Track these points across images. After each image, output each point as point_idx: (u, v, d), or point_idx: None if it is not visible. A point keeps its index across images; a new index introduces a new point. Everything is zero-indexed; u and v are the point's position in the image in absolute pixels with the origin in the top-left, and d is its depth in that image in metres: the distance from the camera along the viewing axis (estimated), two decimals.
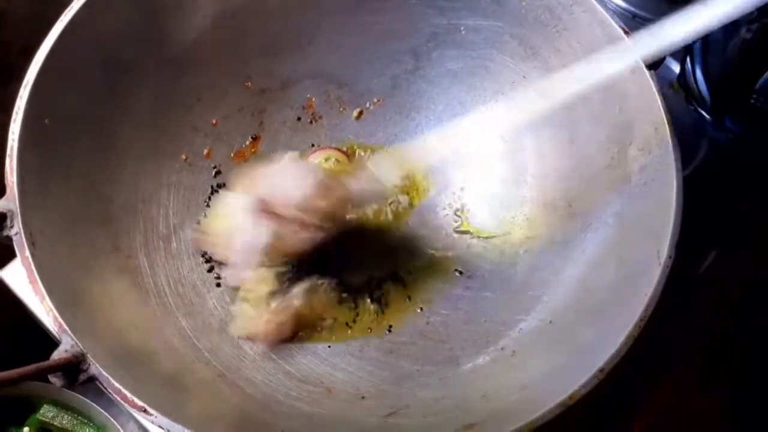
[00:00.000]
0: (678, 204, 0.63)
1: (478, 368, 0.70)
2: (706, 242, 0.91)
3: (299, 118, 0.86)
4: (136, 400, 0.53)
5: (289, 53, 0.83)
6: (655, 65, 0.70)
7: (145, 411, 0.53)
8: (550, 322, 0.69)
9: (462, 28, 0.82)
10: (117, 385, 0.54)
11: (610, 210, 0.70)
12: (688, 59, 0.91)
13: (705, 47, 0.91)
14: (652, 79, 0.69)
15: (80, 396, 0.84)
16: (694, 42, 0.90)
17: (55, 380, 0.54)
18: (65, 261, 0.62)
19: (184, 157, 0.80)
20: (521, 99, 0.69)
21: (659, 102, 0.68)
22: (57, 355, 0.54)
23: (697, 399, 0.85)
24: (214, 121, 0.82)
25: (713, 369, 0.87)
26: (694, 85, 0.91)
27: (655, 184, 0.66)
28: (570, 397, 0.55)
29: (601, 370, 0.56)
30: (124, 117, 0.73)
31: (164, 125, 0.77)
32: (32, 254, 0.57)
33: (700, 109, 0.89)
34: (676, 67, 0.94)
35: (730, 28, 0.90)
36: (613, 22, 0.71)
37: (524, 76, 0.81)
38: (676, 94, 0.93)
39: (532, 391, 0.61)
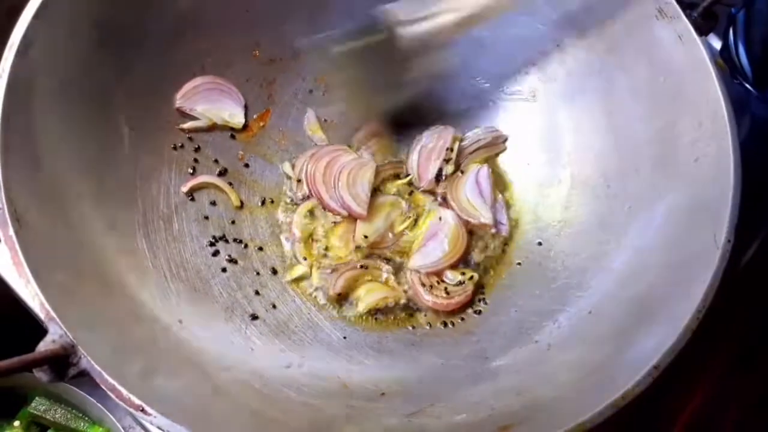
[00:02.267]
0: (737, 181, 0.57)
1: (510, 363, 0.64)
2: (750, 228, 0.85)
3: (311, 91, 0.80)
4: (133, 398, 0.48)
5: (300, 19, 0.76)
6: (705, 29, 0.63)
7: (142, 410, 0.47)
8: (590, 312, 0.63)
9: None
10: (111, 381, 0.48)
11: (656, 190, 0.64)
12: (731, 33, 0.85)
13: (748, 20, 0.86)
14: (704, 46, 0.62)
15: (74, 388, 0.79)
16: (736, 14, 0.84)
17: (41, 375, 0.48)
18: (55, 241, 0.56)
19: (186, 131, 0.73)
20: None
21: (711, 70, 0.62)
22: (44, 345, 0.48)
23: (738, 394, 0.79)
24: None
25: (754, 363, 0.81)
26: (737, 60, 0.85)
27: (709, 160, 0.60)
28: (623, 397, 0.49)
29: (656, 367, 0.50)
30: (120, 85, 0.67)
31: (165, 95, 0.72)
32: (16, 233, 0.51)
33: (744, 83, 0.82)
34: (717, 44, 0.88)
35: None
36: None
37: (558, 45, 0.75)
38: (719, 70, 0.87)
39: (572, 389, 0.55)
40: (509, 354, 0.65)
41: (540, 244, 0.73)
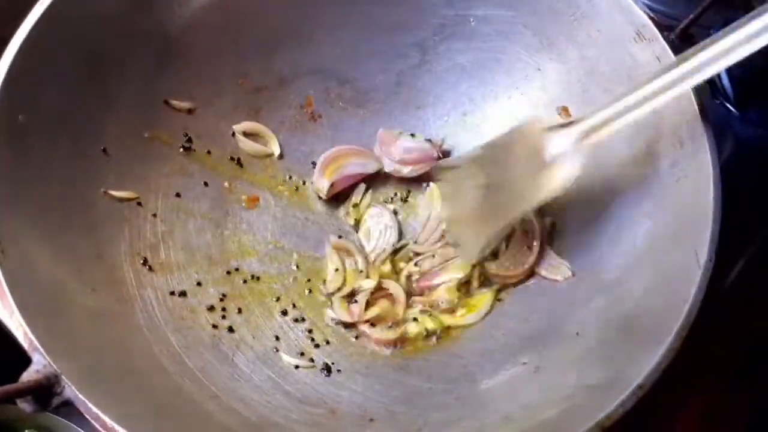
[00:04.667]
0: (716, 201, 0.57)
1: (498, 386, 0.64)
2: (734, 249, 0.85)
3: (297, 118, 0.80)
4: (117, 428, 0.47)
5: (287, 47, 0.77)
6: (683, 51, 0.64)
7: None
8: (577, 334, 0.63)
9: (471, 19, 0.77)
10: (95, 410, 0.48)
11: (639, 210, 0.65)
12: None
13: None
14: None
15: (64, 420, 0.78)
16: None
17: (25, 405, 0.48)
18: (40, 271, 0.56)
19: (173, 160, 0.74)
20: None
21: (690, 92, 0.62)
22: (27, 376, 0.48)
23: (732, 410, 0.79)
24: (206, 122, 0.76)
25: (746, 381, 0.81)
26: (718, 80, 0.86)
27: (689, 180, 0.61)
28: (608, 418, 0.49)
29: (640, 387, 0.50)
30: (108, 114, 0.67)
31: (152, 125, 0.71)
32: (1, 263, 0.51)
33: (726, 103, 0.83)
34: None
35: None
36: (636, 8, 0.66)
37: (539, 69, 0.75)
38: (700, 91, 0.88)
39: (561, 411, 0.55)
40: (497, 377, 0.64)
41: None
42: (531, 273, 0.73)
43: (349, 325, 0.72)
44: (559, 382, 0.59)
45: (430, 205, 0.79)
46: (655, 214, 0.63)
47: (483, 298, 0.73)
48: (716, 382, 0.80)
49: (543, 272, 0.72)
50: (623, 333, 0.58)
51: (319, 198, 0.79)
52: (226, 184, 0.77)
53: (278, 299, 0.73)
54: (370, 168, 0.79)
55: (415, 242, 0.78)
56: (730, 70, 0.86)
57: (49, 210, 0.60)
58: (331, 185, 0.77)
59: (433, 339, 0.71)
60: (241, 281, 0.73)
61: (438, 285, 0.74)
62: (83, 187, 0.65)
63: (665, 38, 0.64)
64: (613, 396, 0.50)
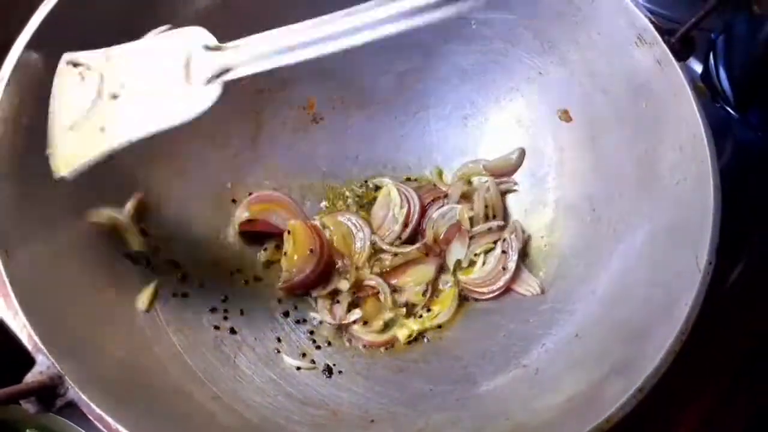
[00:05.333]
0: (716, 204, 0.58)
1: (499, 388, 0.64)
2: (734, 251, 0.85)
3: (299, 119, 0.80)
4: (120, 429, 0.48)
5: None
6: (683, 54, 0.65)
7: None
8: (577, 335, 0.63)
9: (473, 22, 0.77)
10: (99, 411, 0.48)
11: (639, 213, 0.65)
12: (711, 58, 0.87)
13: (728, 45, 0.87)
14: (682, 70, 0.64)
15: (66, 420, 0.78)
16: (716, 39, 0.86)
17: (29, 406, 0.48)
18: (43, 272, 0.56)
19: (174, 161, 0.74)
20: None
21: (690, 95, 0.63)
22: (31, 377, 0.49)
23: (731, 416, 0.79)
24: (206, 123, 0.75)
25: (747, 385, 0.81)
26: (718, 83, 0.86)
27: (689, 183, 0.61)
28: (607, 420, 0.49)
29: (640, 390, 0.51)
30: None
31: None
32: (4, 264, 0.52)
33: (726, 107, 0.83)
34: (698, 68, 0.89)
35: (754, 24, 0.86)
36: (638, 12, 0.66)
37: (540, 72, 0.76)
38: (699, 94, 0.89)
39: (561, 413, 0.55)
40: (497, 379, 0.65)
41: (527, 267, 0.74)
42: (503, 292, 0.74)
43: (341, 327, 0.73)
44: (559, 385, 0.59)
45: (385, 204, 0.79)
46: (655, 216, 0.63)
47: (449, 294, 0.74)
48: (714, 386, 0.80)
49: (515, 287, 0.73)
50: (623, 335, 0.59)
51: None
52: (228, 185, 0.77)
53: (280, 301, 0.73)
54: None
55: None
56: (730, 74, 0.87)
57: (52, 211, 0.60)
58: (249, 221, 0.76)
59: (424, 340, 0.72)
60: (243, 282, 0.73)
61: (404, 285, 0.75)
62: (86, 188, 0.64)
63: (666, 42, 0.64)
64: (613, 399, 0.50)
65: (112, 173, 0.66)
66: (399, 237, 0.78)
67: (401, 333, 0.72)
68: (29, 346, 0.50)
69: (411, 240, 0.78)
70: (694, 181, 0.60)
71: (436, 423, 0.61)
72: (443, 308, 0.73)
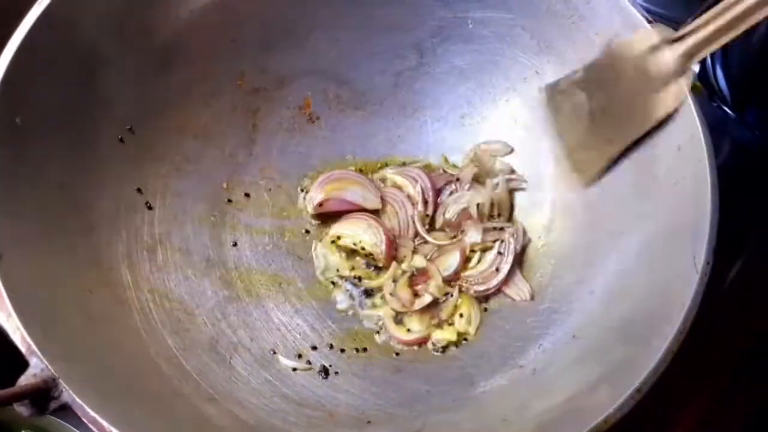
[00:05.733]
0: (714, 203, 0.58)
1: (496, 388, 0.64)
2: (732, 251, 0.85)
3: (295, 119, 0.80)
4: (115, 431, 0.47)
5: (285, 48, 0.77)
6: None
7: None
8: (574, 336, 0.63)
9: (469, 21, 0.77)
10: (93, 414, 0.48)
11: (636, 213, 0.65)
12: (709, 57, 0.87)
13: (725, 44, 0.87)
14: None
15: (60, 421, 0.78)
16: None
17: (22, 409, 0.48)
18: (37, 273, 0.56)
19: (170, 160, 0.73)
20: None
21: (687, 94, 0.62)
22: (24, 380, 0.48)
23: (729, 416, 0.79)
24: (203, 122, 0.75)
25: (744, 384, 0.81)
26: (715, 83, 0.86)
27: (686, 183, 0.61)
28: (605, 421, 0.49)
29: (638, 390, 0.50)
30: (104, 116, 0.67)
31: (149, 126, 0.71)
32: None
33: (723, 106, 0.83)
34: (695, 67, 0.89)
35: None
36: (635, 11, 0.66)
37: (537, 72, 0.75)
38: (696, 94, 0.89)
39: (559, 413, 0.55)
40: (495, 379, 0.65)
41: (524, 268, 0.74)
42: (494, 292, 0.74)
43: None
44: (556, 385, 0.59)
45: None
46: (653, 217, 0.63)
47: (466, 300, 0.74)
48: (712, 385, 0.80)
49: (506, 289, 0.73)
50: (621, 336, 0.58)
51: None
52: (224, 185, 0.76)
53: (275, 301, 0.73)
54: (369, 203, 0.78)
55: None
56: (727, 73, 0.87)
57: (46, 212, 0.59)
58: (321, 204, 0.77)
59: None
60: (239, 283, 0.73)
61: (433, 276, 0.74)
62: (80, 189, 0.64)
63: None
64: (611, 399, 0.50)
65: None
66: (426, 215, 0.78)
67: (437, 335, 0.72)
68: (23, 349, 0.49)
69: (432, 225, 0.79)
70: (692, 181, 0.60)
71: (434, 424, 0.61)
72: (469, 311, 0.73)
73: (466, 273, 0.75)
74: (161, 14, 0.68)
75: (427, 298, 0.72)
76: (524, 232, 0.75)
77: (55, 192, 0.61)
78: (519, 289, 0.73)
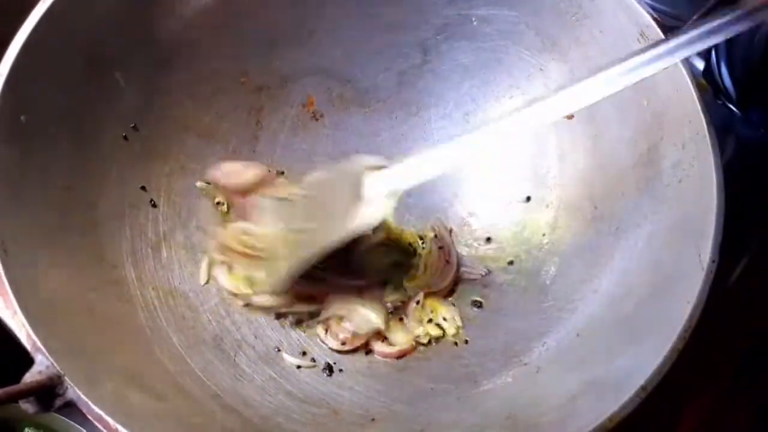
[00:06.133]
0: (720, 201, 0.57)
1: (500, 387, 0.64)
2: (736, 249, 0.85)
3: (299, 117, 0.80)
4: (120, 428, 0.47)
5: (288, 46, 0.77)
6: None
7: None
8: (578, 335, 0.63)
9: (473, 19, 0.76)
10: (98, 411, 0.48)
11: (641, 211, 0.65)
12: (713, 54, 0.86)
13: (729, 42, 0.87)
14: (684, 66, 0.63)
15: (64, 417, 0.78)
16: None
17: (27, 406, 0.48)
18: (41, 271, 0.56)
19: (174, 158, 0.73)
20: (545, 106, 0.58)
21: (692, 91, 0.62)
22: (30, 377, 0.48)
23: (732, 415, 0.79)
24: (207, 121, 0.75)
25: (746, 384, 0.81)
26: (720, 80, 0.86)
27: (692, 181, 0.61)
28: (610, 420, 0.49)
29: (643, 388, 0.50)
30: (108, 115, 0.67)
31: (153, 124, 0.71)
32: (3, 262, 0.51)
33: (728, 104, 0.83)
34: (700, 64, 0.89)
35: None
36: (640, 8, 0.66)
37: (541, 69, 0.75)
38: (701, 91, 0.88)
39: (563, 412, 0.55)
40: (499, 377, 0.64)
41: (528, 265, 0.73)
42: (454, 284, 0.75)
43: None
44: (560, 384, 0.59)
45: None
46: (658, 215, 0.63)
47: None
48: (715, 385, 0.80)
49: (464, 275, 0.74)
50: (625, 334, 0.58)
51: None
52: None
53: None
54: None
55: None
56: (731, 71, 0.87)
57: (50, 210, 0.59)
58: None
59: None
60: None
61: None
62: (85, 186, 0.64)
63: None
64: (616, 398, 0.50)
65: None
66: None
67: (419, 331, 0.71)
68: (28, 346, 0.49)
69: None
70: (697, 179, 0.60)
71: (439, 422, 0.61)
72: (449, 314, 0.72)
73: (416, 282, 0.74)
74: (165, 13, 0.68)
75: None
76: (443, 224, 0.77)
77: (59, 190, 0.61)
78: (473, 268, 0.75)
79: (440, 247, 0.75)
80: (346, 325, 0.70)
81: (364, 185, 0.64)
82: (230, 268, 0.71)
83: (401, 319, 0.72)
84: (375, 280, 0.74)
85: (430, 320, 0.71)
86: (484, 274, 0.74)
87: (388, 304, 0.73)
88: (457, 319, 0.72)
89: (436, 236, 0.76)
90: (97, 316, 0.59)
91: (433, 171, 0.63)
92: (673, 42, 0.54)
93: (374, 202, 0.64)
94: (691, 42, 0.54)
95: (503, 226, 0.77)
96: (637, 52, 0.55)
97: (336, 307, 0.71)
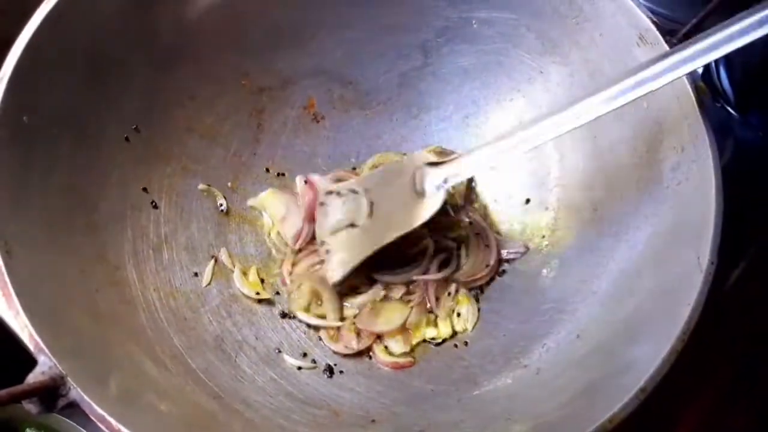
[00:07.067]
0: (718, 203, 0.58)
1: (500, 388, 0.64)
2: (735, 252, 0.85)
3: (300, 119, 0.80)
4: (123, 429, 0.47)
5: (290, 48, 0.77)
6: None
7: None
8: (578, 336, 0.63)
9: (474, 22, 0.77)
10: (101, 411, 0.48)
11: (640, 213, 0.65)
12: None
13: None
14: None
15: (66, 419, 0.78)
16: None
17: (31, 407, 0.48)
18: (44, 272, 0.56)
19: (176, 160, 0.74)
20: (553, 122, 0.61)
21: (691, 95, 0.63)
22: (33, 377, 0.48)
23: (731, 418, 0.79)
24: (208, 122, 0.76)
25: (746, 388, 0.81)
26: (719, 83, 0.87)
27: (691, 183, 0.61)
28: (609, 421, 0.49)
29: (642, 390, 0.51)
30: (111, 116, 0.67)
31: (155, 125, 0.71)
32: (6, 264, 0.52)
33: (727, 107, 0.84)
34: (699, 68, 0.89)
35: None
36: (639, 12, 0.66)
37: (541, 72, 0.76)
38: (700, 94, 0.89)
39: (563, 413, 0.55)
40: (499, 378, 0.65)
41: (528, 267, 0.74)
42: (496, 268, 0.75)
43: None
44: (560, 385, 0.59)
45: None
46: (657, 216, 0.63)
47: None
48: (714, 387, 0.80)
49: (506, 255, 0.75)
50: (625, 336, 0.58)
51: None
52: (229, 184, 0.77)
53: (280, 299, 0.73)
54: None
55: None
56: (730, 74, 0.87)
57: (53, 211, 0.60)
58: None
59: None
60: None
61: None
62: (87, 188, 0.64)
63: (668, 42, 0.64)
64: (615, 399, 0.50)
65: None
66: None
67: (431, 333, 0.72)
68: (31, 347, 0.50)
69: None
70: (696, 181, 0.60)
71: (438, 423, 0.61)
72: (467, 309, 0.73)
73: (462, 271, 0.75)
74: (167, 14, 0.69)
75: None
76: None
77: (61, 191, 0.61)
78: (513, 247, 0.76)
79: (477, 234, 0.76)
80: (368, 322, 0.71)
81: (426, 180, 0.70)
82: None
83: (430, 312, 0.73)
84: (419, 273, 0.74)
85: (458, 314, 0.72)
86: (523, 251, 0.75)
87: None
88: (471, 317, 0.72)
89: (470, 223, 0.77)
90: (99, 317, 0.59)
91: (485, 165, 0.69)
92: (679, 54, 0.57)
93: (434, 195, 0.69)
94: (693, 57, 0.57)
95: (503, 227, 0.78)
96: (662, 56, 0.57)
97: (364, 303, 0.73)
